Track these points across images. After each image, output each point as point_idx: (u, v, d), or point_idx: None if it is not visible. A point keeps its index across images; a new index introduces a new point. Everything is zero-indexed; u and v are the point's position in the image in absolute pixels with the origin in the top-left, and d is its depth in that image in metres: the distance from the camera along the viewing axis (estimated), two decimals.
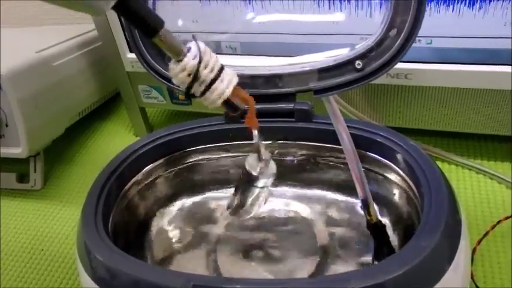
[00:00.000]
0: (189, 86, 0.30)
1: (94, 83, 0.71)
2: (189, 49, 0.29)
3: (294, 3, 0.48)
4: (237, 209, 0.38)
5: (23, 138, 0.56)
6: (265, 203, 0.38)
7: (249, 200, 0.37)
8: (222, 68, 0.31)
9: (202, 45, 0.30)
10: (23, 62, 0.57)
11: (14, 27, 0.89)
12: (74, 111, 0.68)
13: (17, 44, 0.68)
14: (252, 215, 0.39)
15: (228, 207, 0.38)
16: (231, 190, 0.38)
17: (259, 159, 0.36)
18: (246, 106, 0.33)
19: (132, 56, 0.60)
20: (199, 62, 0.29)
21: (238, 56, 0.54)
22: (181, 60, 0.29)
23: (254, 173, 0.36)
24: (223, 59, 0.41)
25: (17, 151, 0.57)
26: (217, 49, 0.54)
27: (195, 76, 0.29)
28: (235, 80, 0.32)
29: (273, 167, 0.37)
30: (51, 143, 0.63)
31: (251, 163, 0.36)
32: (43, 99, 0.59)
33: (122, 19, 0.56)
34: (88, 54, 0.70)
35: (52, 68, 0.62)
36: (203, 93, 0.30)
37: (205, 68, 0.29)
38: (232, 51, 0.54)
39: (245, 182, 0.37)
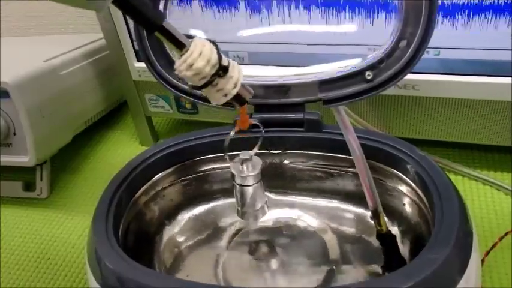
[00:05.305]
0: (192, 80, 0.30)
1: (101, 92, 0.71)
2: (190, 43, 0.29)
3: (302, 13, 0.48)
4: (241, 212, 0.39)
5: (30, 147, 0.57)
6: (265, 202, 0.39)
7: (248, 200, 0.38)
8: (225, 66, 0.30)
9: (201, 40, 0.29)
10: (30, 71, 0.58)
11: (21, 36, 0.89)
12: (81, 120, 0.68)
13: (25, 53, 0.69)
14: (256, 215, 0.39)
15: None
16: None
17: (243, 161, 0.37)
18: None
19: (140, 65, 0.60)
20: (200, 54, 0.29)
21: (246, 65, 0.54)
22: (182, 55, 0.29)
23: (242, 175, 0.37)
24: None
25: (24, 160, 0.57)
26: None
27: (196, 70, 0.29)
28: (241, 79, 0.31)
29: (258, 162, 0.38)
30: (58, 151, 0.63)
31: (236, 167, 0.37)
32: (50, 108, 0.59)
33: (130, 30, 0.57)
34: (95, 63, 0.70)
35: (59, 77, 0.62)
36: (204, 86, 0.30)
37: (207, 63, 0.29)
38: (239, 60, 0.54)
39: (237, 186, 0.38)
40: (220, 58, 0.30)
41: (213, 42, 0.30)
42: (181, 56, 0.29)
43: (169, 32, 0.28)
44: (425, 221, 0.36)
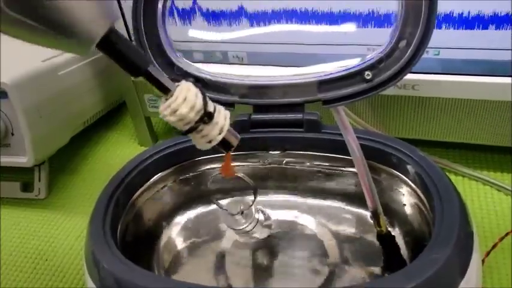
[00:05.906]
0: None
1: (99, 92, 0.71)
2: (175, 88, 0.29)
3: (302, 13, 0.48)
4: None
5: (28, 147, 0.56)
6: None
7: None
8: (210, 113, 0.30)
9: (187, 85, 0.29)
10: (29, 71, 0.57)
11: None
12: (79, 121, 0.68)
13: (23, 53, 0.68)
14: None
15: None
16: (239, 199, 0.39)
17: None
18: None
19: None
20: (184, 100, 0.28)
21: (245, 65, 0.54)
22: (167, 99, 0.29)
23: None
24: (230, 69, 0.42)
25: (22, 160, 0.57)
26: (224, 59, 0.54)
27: (180, 116, 0.29)
28: (227, 125, 0.31)
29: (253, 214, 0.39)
30: (56, 152, 0.63)
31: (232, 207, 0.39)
32: (49, 108, 0.59)
33: (129, 30, 0.56)
34: (94, 63, 0.70)
35: (58, 77, 0.62)
36: (189, 131, 0.30)
37: (191, 109, 0.29)
38: (239, 60, 0.54)
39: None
40: (205, 104, 0.29)
41: (200, 87, 0.29)
42: (166, 100, 0.29)
43: (154, 77, 0.28)
44: (426, 222, 0.36)
